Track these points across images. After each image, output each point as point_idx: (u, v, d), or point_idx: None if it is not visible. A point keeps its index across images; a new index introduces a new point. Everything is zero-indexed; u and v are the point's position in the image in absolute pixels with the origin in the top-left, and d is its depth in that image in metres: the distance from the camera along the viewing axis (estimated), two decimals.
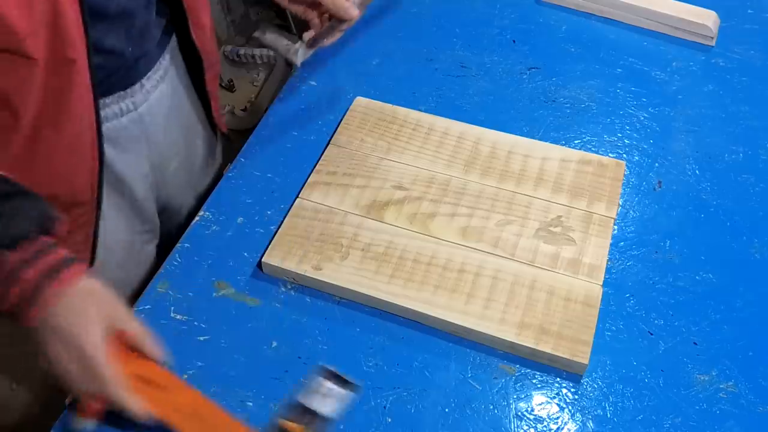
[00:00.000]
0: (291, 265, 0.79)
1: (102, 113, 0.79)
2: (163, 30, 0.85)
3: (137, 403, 0.64)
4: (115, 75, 0.80)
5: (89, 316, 0.64)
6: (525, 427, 0.69)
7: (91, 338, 0.64)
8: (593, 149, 0.94)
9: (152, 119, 0.87)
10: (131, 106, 0.84)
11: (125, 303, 0.67)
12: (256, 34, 0.89)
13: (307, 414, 0.68)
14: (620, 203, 0.87)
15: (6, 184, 0.64)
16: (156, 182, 0.92)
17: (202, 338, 0.75)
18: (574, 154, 0.90)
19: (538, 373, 0.73)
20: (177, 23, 0.85)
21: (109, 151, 0.81)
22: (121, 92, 0.82)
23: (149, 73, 0.85)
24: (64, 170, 0.75)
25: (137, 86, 0.83)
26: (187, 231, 0.85)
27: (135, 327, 0.67)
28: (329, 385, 0.70)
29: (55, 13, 0.64)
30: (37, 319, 0.63)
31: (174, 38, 0.87)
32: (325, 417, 0.68)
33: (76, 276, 0.64)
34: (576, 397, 0.71)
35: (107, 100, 0.80)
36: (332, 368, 0.71)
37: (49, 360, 0.64)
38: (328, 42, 0.88)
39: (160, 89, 0.88)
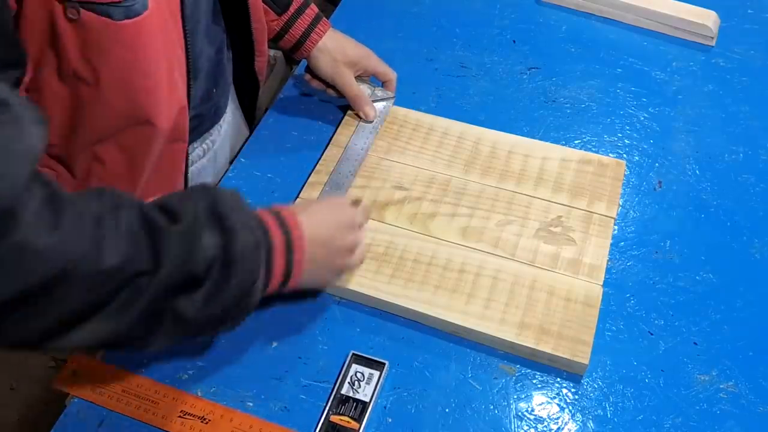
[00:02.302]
0: None
1: (190, 158, 0.85)
2: (233, 63, 0.89)
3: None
4: (206, 119, 0.86)
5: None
6: (525, 428, 0.69)
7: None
8: (593, 149, 0.94)
9: (222, 151, 0.93)
10: (211, 145, 0.90)
11: None
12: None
13: (353, 404, 0.69)
14: (620, 203, 0.87)
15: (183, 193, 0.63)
16: None
17: (202, 338, 0.75)
18: (575, 153, 0.90)
19: (539, 373, 0.73)
20: (240, 53, 0.89)
21: None
22: (206, 134, 0.88)
23: (227, 109, 0.91)
24: None
25: (217, 125, 0.90)
26: None
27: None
28: (361, 370, 0.71)
29: (171, 84, 0.69)
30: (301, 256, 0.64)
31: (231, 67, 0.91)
32: (366, 402, 0.69)
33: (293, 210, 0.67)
34: (576, 397, 0.71)
35: (195, 144, 0.84)
36: (360, 353, 0.72)
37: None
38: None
39: (227, 120, 0.92)
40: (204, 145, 0.88)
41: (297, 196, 0.86)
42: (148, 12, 0.60)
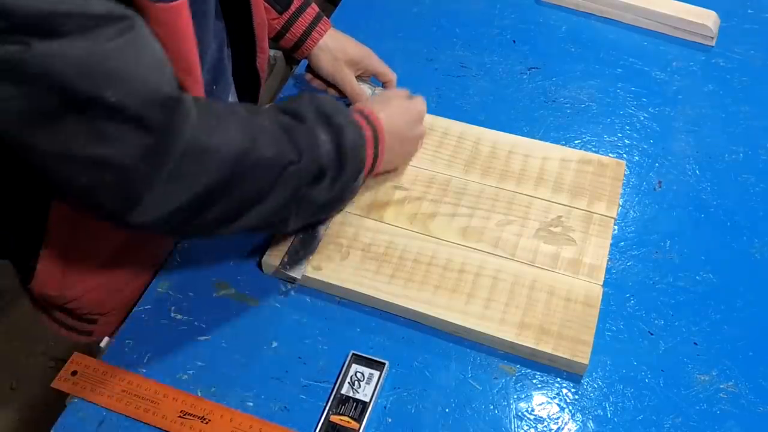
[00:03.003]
0: None
1: None
2: (232, 60, 0.88)
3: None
4: None
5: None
6: (525, 427, 0.69)
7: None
8: (593, 149, 0.94)
9: None
10: None
11: None
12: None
13: (353, 404, 0.69)
14: (620, 203, 0.87)
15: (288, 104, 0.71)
16: None
17: (202, 338, 0.75)
18: (575, 153, 0.90)
19: (539, 373, 0.73)
20: (241, 50, 0.88)
21: None
22: None
23: None
24: None
25: None
26: None
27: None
28: (361, 370, 0.71)
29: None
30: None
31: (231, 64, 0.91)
32: (366, 402, 0.69)
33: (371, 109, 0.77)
34: (576, 397, 0.71)
35: None
36: (360, 353, 0.72)
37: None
38: None
39: None
40: None
41: None
42: (180, 1, 0.60)
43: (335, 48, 0.91)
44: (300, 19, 0.90)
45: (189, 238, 0.73)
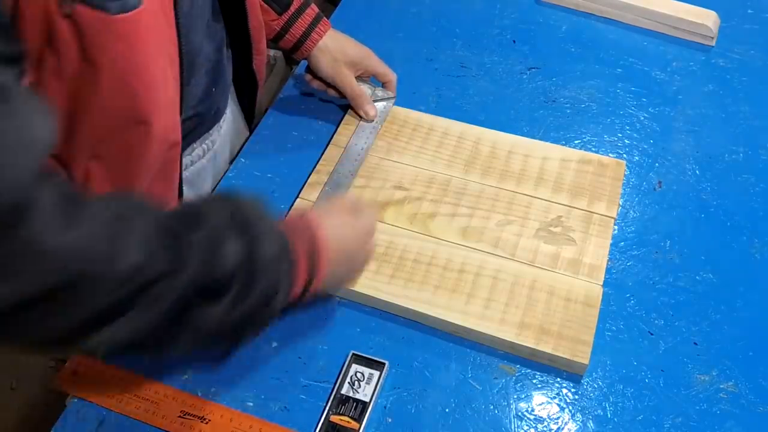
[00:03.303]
0: None
1: (189, 158, 0.85)
2: (232, 63, 0.89)
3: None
4: (206, 119, 0.85)
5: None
6: (525, 427, 0.69)
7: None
8: (593, 149, 0.94)
9: (221, 151, 0.92)
10: (210, 145, 0.89)
11: None
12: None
13: (353, 404, 0.69)
14: (620, 203, 0.87)
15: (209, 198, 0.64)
16: None
17: None
18: (574, 153, 0.90)
19: (539, 373, 0.73)
20: (238, 52, 0.88)
21: (187, 194, 0.85)
22: (206, 134, 0.87)
23: (227, 109, 0.90)
24: None
25: (217, 125, 0.88)
26: None
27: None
28: (361, 370, 0.71)
29: (165, 82, 0.68)
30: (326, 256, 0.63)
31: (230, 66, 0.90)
32: (366, 402, 0.69)
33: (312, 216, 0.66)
34: (576, 397, 0.71)
35: (194, 144, 0.85)
36: (360, 353, 0.72)
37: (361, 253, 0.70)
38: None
39: (227, 120, 0.92)
40: (204, 146, 0.87)
41: (297, 196, 0.86)
42: (143, 6, 0.60)
43: (335, 49, 0.90)
44: (299, 20, 0.89)
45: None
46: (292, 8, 0.89)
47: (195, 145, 0.86)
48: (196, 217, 0.55)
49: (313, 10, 0.91)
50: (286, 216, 0.66)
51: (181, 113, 0.73)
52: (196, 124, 0.83)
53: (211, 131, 0.88)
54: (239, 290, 0.55)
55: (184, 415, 0.68)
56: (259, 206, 0.60)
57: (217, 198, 0.60)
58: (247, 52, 0.87)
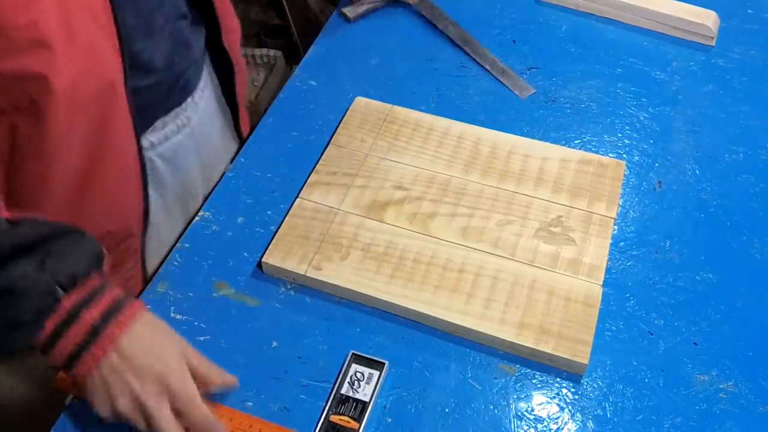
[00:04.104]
0: (291, 265, 0.79)
1: (162, 133, 0.81)
2: (204, 38, 0.85)
3: (217, 423, 0.63)
4: (170, 92, 0.80)
5: (163, 344, 0.63)
6: (525, 427, 0.69)
7: (173, 361, 0.62)
8: (593, 149, 0.94)
9: (201, 129, 0.88)
10: (186, 121, 0.85)
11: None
12: None
13: (353, 403, 0.69)
14: (620, 203, 0.87)
15: (57, 224, 0.62)
16: (204, 193, 0.92)
17: (202, 338, 0.75)
18: (574, 154, 0.90)
19: (538, 373, 0.73)
20: (208, 30, 0.85)
21: (165, 170, 0.82)
22: (177, 108, 0.83)
23: (199, 84, 0.86)
24: (117, 206, 0.75)
25: (190, 100, 0.84)
26: (187, 231, 0.85)
27: (201, 360, 0.66)
28: (361, 370, 0.71)
29: (90, 40, 0.62)
30: (98, 361, 0.60)
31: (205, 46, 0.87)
32: (366, 402, 0.69)
33: (137, 313, 0.62)
34: (576, 397, 0.71)
35: (166, 118, 0.81)
36: (360, 353, 0.72)
37: (113, 399, 0.61)
38: None
39: (205, 98, 0.89)
40: (178, 121, 0.83)
41: (297, 196, 0.86)
42: None
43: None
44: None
45: None
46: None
47: (167, 120, 0.81)
48: (14, 226, 0.57)
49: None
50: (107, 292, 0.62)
51: (127, 77, 0.67)
52: (161, 93, 0.77)
53: (183, 105, 0.83)
54: None
55: None
56: (84, 248, 0.60)
57: (48, 221, 0.60)
58: (214, 28, 0.83)
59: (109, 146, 0.69)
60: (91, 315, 0.60)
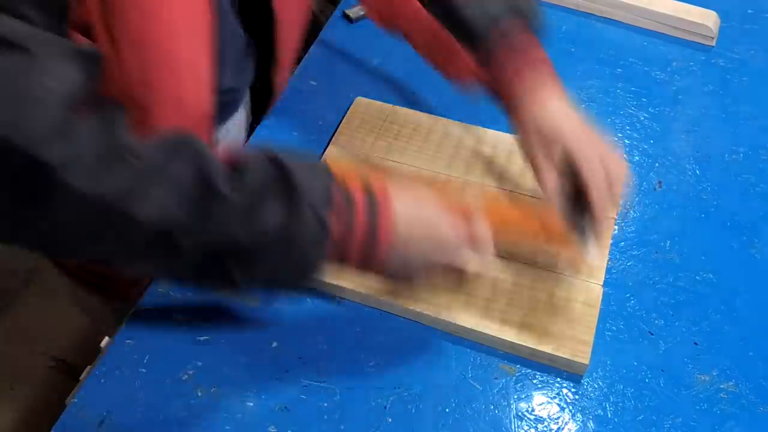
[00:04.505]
0: None
1: None
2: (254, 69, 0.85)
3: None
4: (225, 108, 0.81)
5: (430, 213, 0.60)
6: (525, 427, 0.69)
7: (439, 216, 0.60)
8: None
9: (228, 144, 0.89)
10: (225, 134, 0.86)
11: None
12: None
13: None
14: (620, 203, 0.86)
15: (275, 158, 0.56)
16: None
17: (202, 338, 0.75)
18: None
19: (539, 373, 0.73)
20: (258, 60, 0.83)
21: None
22: (222, 123, 0.84)
23: (236, 113, 0.87)
24: None
25: (223, 125, 0.85)
26: None
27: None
28: None
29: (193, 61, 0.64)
30: (388, 254, 0.58)
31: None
32: None
33: (388, 195, 0.59)
34: (576, 397, 0.71)
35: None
36: None
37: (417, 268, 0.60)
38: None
39: (235, 122, 0.89)
40: (217, 135, 0.85)
41: None
42: None
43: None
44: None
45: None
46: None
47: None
48: (242, 172, 0.53)
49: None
50: (346, 179, 0.58)
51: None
52: (217, 109, 0.78)
53: (226, 122, 0.85)
54: (272, 254, 0.54)
55: None
56: (319, 172, 0.56)
57: (268, 152, 0.55)
58: (266, 60, 0.82)
59: None
60: (359, 222, 0.56)
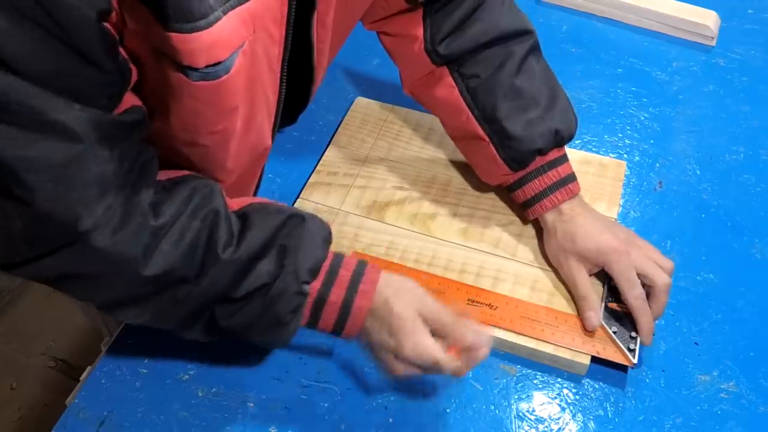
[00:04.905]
0: None
1: None
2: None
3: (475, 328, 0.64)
4: None
5: (404, 301, 0.63)
6: (526, 428, 0.69)
7: (406, 314, 0.63)
8: (594, 149, 0.94)
9: None
10: None
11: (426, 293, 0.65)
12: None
13: None
14: (621, 203, 0.87)
15: (280, 210, 0.63)
16: None
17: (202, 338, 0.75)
18: (575, 154, 0.90)
19: (539, 373, 0.72)
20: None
21: None
22: None
23: None
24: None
25: None
26: None
27: (443, 313, 0.64)
28: None
29: (247, 129, 0.66)
30: (355, 334, 0.64)
31: None
32: None
33: (376, 279, 0.64)
34: (577, 397, 0.71)
35: None
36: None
37: (378, 347, 0.65)
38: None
39: None
40: None
41: (297, 196, 0.86)
42: (227, 76, 0.56)
43: (561, 234, 0.75)
44: (535, 180, 0.77)
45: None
46: (531, 167, 0.77)
47: None
48: (242, 231, 0.60)
49: (558, 173, 0.76)
50: (355, 259, 0.64)
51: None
52: None
53: None
54: (253, 306, 0.60)
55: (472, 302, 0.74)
56: (315, 235, 0.62)
57: (272, 211, 0.62)
58: (298, 105, 0.81)
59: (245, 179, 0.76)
60: (336, 295, 0.62)
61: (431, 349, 0.61)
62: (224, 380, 0.72)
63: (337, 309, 0.63)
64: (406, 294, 0.63)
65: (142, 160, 0.57)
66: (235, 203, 0.63)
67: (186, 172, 0.63)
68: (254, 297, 0.60)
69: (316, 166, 0.89)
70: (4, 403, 1.60)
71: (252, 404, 0.70)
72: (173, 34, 0.50)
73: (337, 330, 0.64)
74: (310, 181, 0.87)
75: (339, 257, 0.64)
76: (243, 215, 0.62)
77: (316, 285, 0.62)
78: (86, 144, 0.50)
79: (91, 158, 0.50)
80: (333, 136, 0.93)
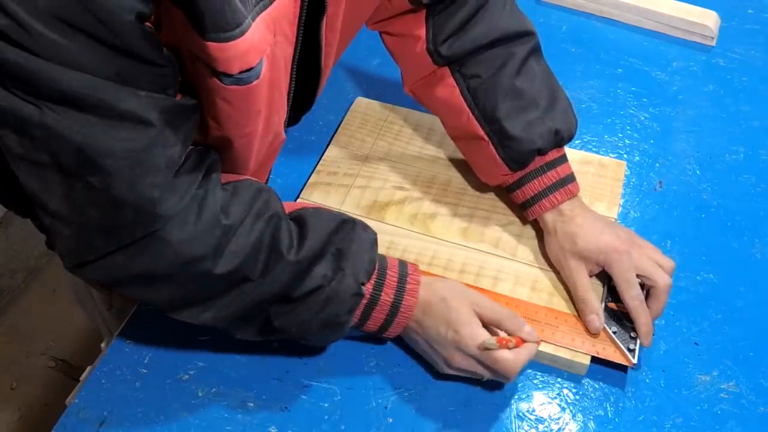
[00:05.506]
0: None
1: None
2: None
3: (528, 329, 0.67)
4: None
5: (457, 296, 0.68)
6: (526, 428, 0.69)
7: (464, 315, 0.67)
8: (594, 149, 0.94)
9: None
10: None
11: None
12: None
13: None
14: (621, 203, 0.87)
15: (334, 217, 0.67)
16: None
17: (202, 338, 0.75)
18: (575, 154, 0.90)
19: (539, 373, 0.72)
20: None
21: None
22: None
23: None
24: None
25: None
26: None
27: (496, 306, 0.69)
28: None
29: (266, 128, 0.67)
30: (401, 327, 0.69)
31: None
32: None
33: (419, 279, 0.68)
34: (577, 397, 0.71)
35: None
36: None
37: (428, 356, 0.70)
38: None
39: None
40: None
41: (297, 197, 0.86)
42: (258, 81, 0.57)
43: (562, 234, 0.75)
44: (534, 181, 0.77)
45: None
46: (531, 167, 0.77)
47: None
48: (301, 234, 0.64)
49: (558, 174, 0.77)
50: (401, 263, 0.69)
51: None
52: None
53: None
54: (306, 308, 0.64)
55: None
56: (365, 241, 0.66)
57: (335, 219, 0.66)
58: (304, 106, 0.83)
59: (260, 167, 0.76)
60: (387, 295, 0.67)
61: (487, 336, 0.65)
62: (224, 380, 0.72)
63: (387, 309, 0.67)
64: (457, 290, 0.69)
65: (210, 161, 0.60)
66: (288, 206, 0.66)
67: (243, 176, 0.66)
68: (310, 297, 0.63)
69: (316, 166, 0.89)
70: (4, 403, 1.60)
71: (252, 404, 0.70)
72: (210, 44, 0.51)
73: (382, 329, 0.68)
74: (310, 181, 0.87)
75: (384, 259, 0.68)
76: (298, 218, 0.65)
77: (368, 287, 0.66)
78: (158, 128, 0.52)
79: (162, 142, 0.53)
80: (333, 136, 0.93)
